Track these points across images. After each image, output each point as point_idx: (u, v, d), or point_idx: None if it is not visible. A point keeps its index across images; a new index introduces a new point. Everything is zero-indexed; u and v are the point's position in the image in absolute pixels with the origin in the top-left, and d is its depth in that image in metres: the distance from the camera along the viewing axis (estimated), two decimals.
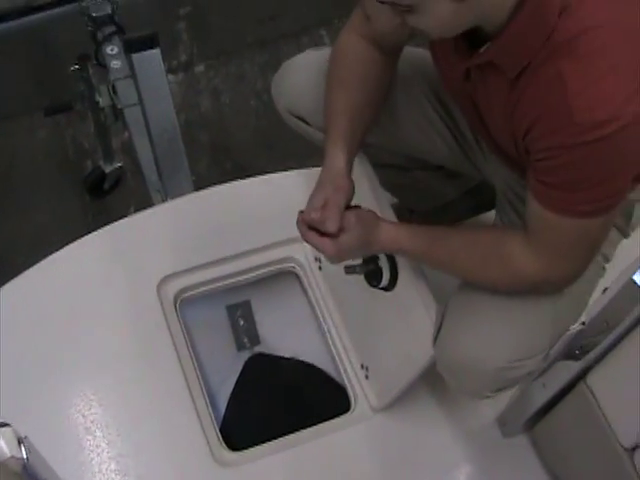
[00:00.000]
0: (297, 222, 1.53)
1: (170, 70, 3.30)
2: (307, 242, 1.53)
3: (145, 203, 2.57)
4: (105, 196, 3.05)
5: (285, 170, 2.18)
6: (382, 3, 1.26)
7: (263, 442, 1.92)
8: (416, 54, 1.69)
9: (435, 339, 1.62)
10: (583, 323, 1.54)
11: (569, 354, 1.60)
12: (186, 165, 2.47)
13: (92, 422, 1.88)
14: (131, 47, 2.36)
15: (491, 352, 1.54)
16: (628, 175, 1.32)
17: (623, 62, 1.23)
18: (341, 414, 1.96)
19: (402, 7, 1.25)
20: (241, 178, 2.96)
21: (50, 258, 2.06)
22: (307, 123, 1.79)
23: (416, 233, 1.55)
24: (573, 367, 1.61)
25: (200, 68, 3.36)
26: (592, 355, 1.56)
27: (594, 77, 1.22)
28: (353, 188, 1.56)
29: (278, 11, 3.43)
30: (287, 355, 2.17)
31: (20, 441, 1.04)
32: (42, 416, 1.83)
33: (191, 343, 2.04)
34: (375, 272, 1.71)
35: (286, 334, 2.20)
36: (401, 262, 1.69)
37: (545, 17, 1.24)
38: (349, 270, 1.73)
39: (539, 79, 1.28)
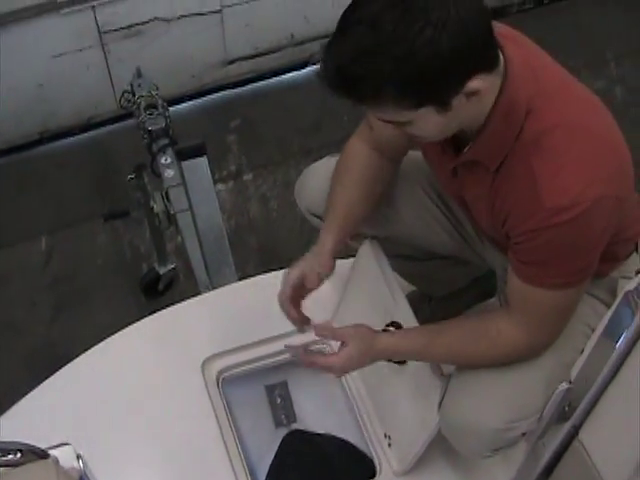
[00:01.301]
0: (298, 356, 1.93)
1: (221, 179, 3.68)
2: (313, 366, 1.89)
3: None
4: (159, 296, 3.35)
5: None
6: (390, 123, 1.59)
7: None
8: (415, 155, 2.00)
9: (440, 404, 1.91)
10: (570, 382, 1.80)
11: (560, 414, 1.86)
12: (231, 261, 2.81)
13: None
14: (181, 155, 2.72)
15: (488, 414, 1.82)
16: (595, 251, 1.63)
17: (580, 155, 1.54)
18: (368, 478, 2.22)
19: (400, 123, 1.57)
20: None
21: (103, 343, 2.43)
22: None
23: (410, 337, 1.87)
24: (565, 426, 1.87)
25: (249, 176, 3.73)
26: (579, 412, 1.82)
27: (557, 169, 1.53)
28: (332, 267, 1.93)
29: (321, 122, 3.80)
30: (321, 431, 2.45)
31: (78, 457, 1.36)
32: None
33: (232, 420, 2.33)
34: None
35: (319, 411, 2.48)
36: None
37: (514, 119, 1.56)
38: None
39: (512, 173, 1.60)
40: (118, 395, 2.29)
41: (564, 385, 1.80)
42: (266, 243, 3.56)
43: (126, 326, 3.20)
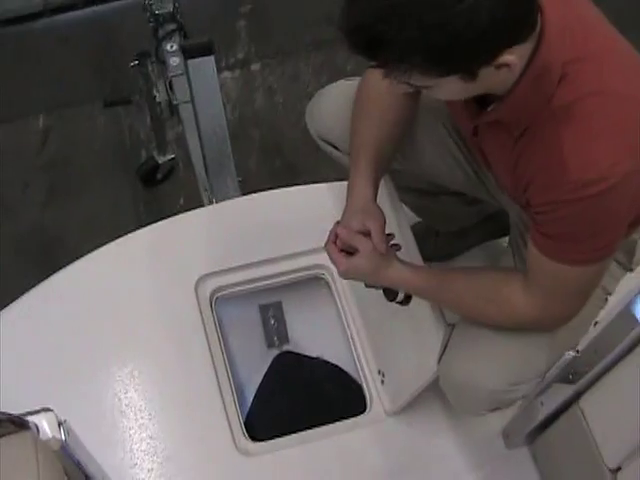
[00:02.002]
0: (330, 231, 1.73)
1: (227, 66, 3.50)
2: (326, 251, 1.74)
3: (195, 195, 2.80)
4: (157, 186, 3.25)
5: (332, 171, 2.29)
6: (399, 83, 1.41)
7: (283, 435, 2.11)
8: None
9: (440, 358, 1.81)
10: (577, 351, 1.70)
11: (564, 378, 1.77)
12: (233, 167, 2.67)
13: (127, 405, 2.11)
14: (187, 53, 2.55)
15: (488, 376, 1.72)
16: (620, 229, 1.49)
17: (614, 126, 1.39)
18: (357, 414, 2.15)
19: (418, 86, 1.41)
20: (289, 177, 3.19)
21: (97, 251, 2.29)
22: (336, 148, 1.97)
23: (424, 277, 1.72)
24: (567, 390, 1.78)
25: (256, 66, 3.56)
26: (584, 381, 1.73)
27: (587, 140, 1.38)
28: (384, 215, 1.75)
29: (335, 14, 3.59)
30: (313, 355, 2.36)
31: (60, 424, 1.26)
32: (81, 400, 2.07)
33: (224, 339, 2.24)
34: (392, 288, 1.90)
35: (313, 335, 2.40)
36: None
37: (545, 84, 1.40)
38: (368, 284, 1.93)
39: (538, 139, 1.45)
40: (107, 309, 2.21)
41: (570, 354, 1.70)
42: (269, 137, 3.42)
43: (120, 214, 3.17)
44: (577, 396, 1.80)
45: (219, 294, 2.25)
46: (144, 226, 3.09)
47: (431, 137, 1.90)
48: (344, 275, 1.74)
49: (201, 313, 2.19)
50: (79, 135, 3.36)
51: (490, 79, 1.36)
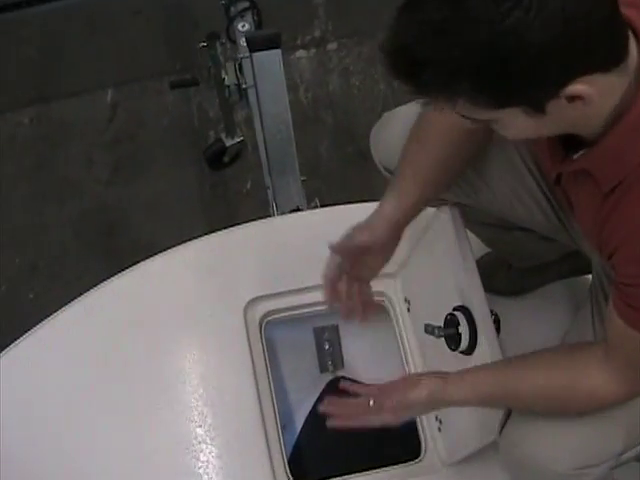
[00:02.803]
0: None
1: (303, 45, 3.27)
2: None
3: (262, 180, 2.59)
4: (224, 168, 3.05)
5: None
6: (463, 118, 1.17)
7: (330, 476, 1.90)
8: None
9: (502, 428, 1.56)
10: None
11: None
12: (296, 167, 2.44)
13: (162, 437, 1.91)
14: (252, 45, 2.32)
15: (556, 456, 1.47)
16: None
17: None
18: (409, 460, 1.92)
19: (477, 121, 1.17)
20: (361, 163, 2.94)
21: (149, 260, 2.07)
22: None
23: (486, 390, 1.47)
24: None
25: (333, 46, 3.30)
26: None
27: None
28: (390, 239, 1.56)
29: None
30: (369, 382, 2.13)
31: None
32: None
33: (274, 362, 2.04)
34: (454, 337, 1.66)
35: (370, 363, 2.18)
36: (481, 330, 1.62)
37: None
38: (428, 330, 1.69)
39: (632, 200, 1.18)
40: (152, 323, 2.02)
41: None
42: (343, 121, 3.19)
43: (185, 195, 2.99)
44: None
45: (269, 318, 2.02)
46: (209, 209, 2.97)
47: (507, 171, 1.63)
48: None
49: (249, 339, 1.97)
50: (147, 112, 3.18)
51: (564, 115, 1.11)
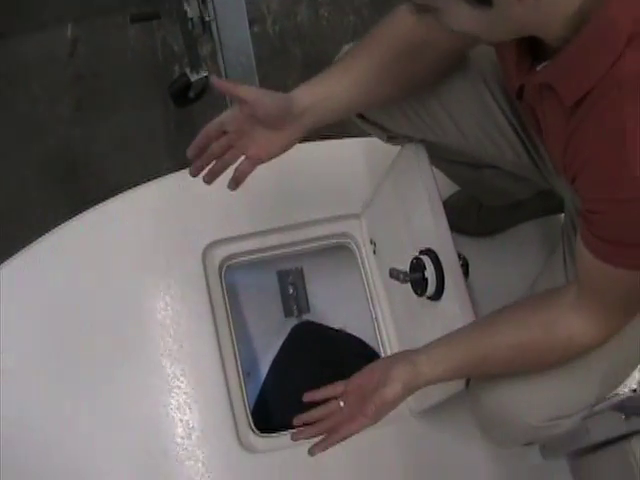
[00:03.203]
0: None
1: None
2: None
3: None
4: (190, 105, 2.89)
5: None
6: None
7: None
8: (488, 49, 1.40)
9: (468, 380, 1.45)
10: (634, 390, 1.34)
11: (615, 413, 1.42)
12: None
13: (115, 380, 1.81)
14: None
15: (526, 409, 1.37)
16: None
17: None
18: None
19: (420, 6, 1.05)
20: None
21: (108, 202, 1.96)
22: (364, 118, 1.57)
23: (459, 361, 1.31)
24: (619, 425, 1.43)
25: None
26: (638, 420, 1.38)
27: None
28: (287, 135, 1.34)
29: None
30: (335, 326, 2.03)
31: None
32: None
33: (237, 308, 1.93)
34: (419, 282, 1.54)
35: (336, 306, 2.07)
36: (449, 275, 1.51)
37: (607, 44, 1.00)
38: (393, 275, 1.57)
39: (595, 116, 1.05)
40: (107, 264, 1.90)
41: (625, 391, 1.33)
42: (311, 53, 3.03)
43: (150, 132, 2.86)
44: (630, 434, 1.43)
45: (230, 262, 1.90)
46: (174, 147, 2.83)
47: (476, 107, 1.48)
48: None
49: (208, 284, 1.86)
50: (109, 47, 3.00)
51: (514, 14, 0.98)
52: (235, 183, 1.37)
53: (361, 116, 1.55)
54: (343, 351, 2.01)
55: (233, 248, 1.89)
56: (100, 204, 1.96)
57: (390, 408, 1.30)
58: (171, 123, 2.91)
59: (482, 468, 1.77)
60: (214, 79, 1.29)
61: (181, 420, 1.77)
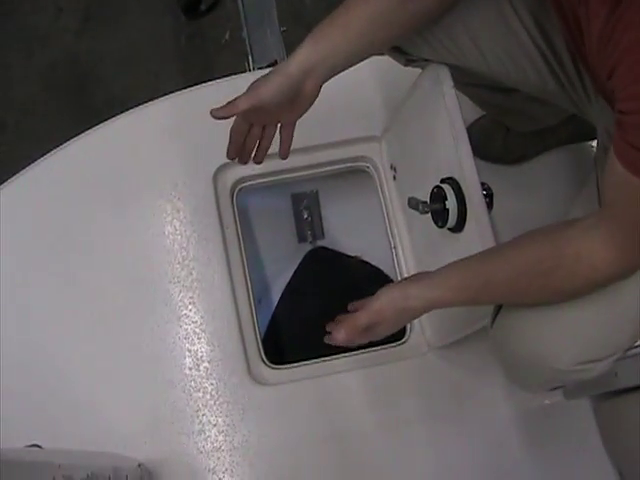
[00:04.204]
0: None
1: None
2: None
3: (241, 31, 2.27)
4: (201, 17, 2.79)
5: None
6: None
7: (306, 358, 1.72)
8: None
9: (493, 319, 1.35)
10: None
11: None
12: (275, 17, 2.17)
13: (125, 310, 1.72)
14: None
15: (555, 351, 1.26)
16: None
17: None
18: (395, 340, 1.73)
19: None
20: None
21: (116, 119, 1.84)
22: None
23: (459, 281, 1.24)
24: None
25: None
26: None
27: None
28: (306, 101, 1.31)
29: None
30: (351, 254, 1.93)
31: None
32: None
33: (249, 233, 1.84)
34: (440, 213, 1.44)
35: (352, 234, 1.97)
36: (471, 206, 1.40)
37: None
38: (412, 204, 1.47)
39: (637, 7, 0.94)
40: (115, 183, 1.80)
41: None
42: None
43: (160, 46, 2.74)
44: None
45: (243, 185, 1.80)
46: (185, 61, 2.70)
47: (498, 27, 1.35)
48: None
49: (218, 207, 1.76)
50: None
51: None
52: (284, 153, 1.37)
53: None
54: (358, 279, 1.92)
55: (246, 170, 1.78)
56: (108, 121, 1.85)
57: (379, 320, 1.27)
58: (182, 36, 2.80)
59: (501, 405, 1.68)
60: (213, 112, 1.26)
61: (189, 350, 1.69)
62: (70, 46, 2.74)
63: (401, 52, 1.43)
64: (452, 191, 1.41)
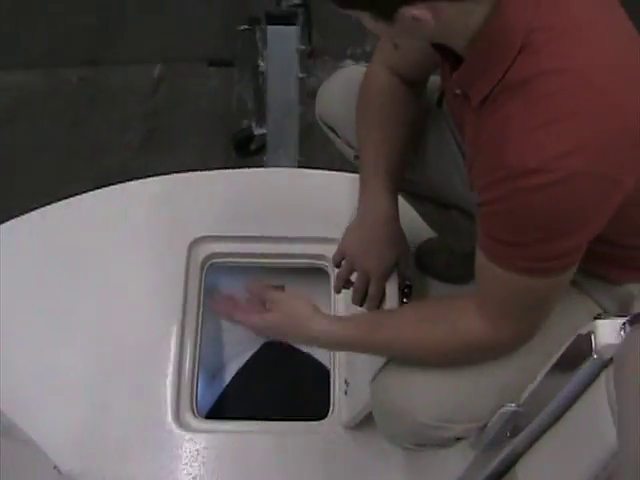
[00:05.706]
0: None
1: (352, 56, 3.30)
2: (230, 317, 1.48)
3: None
4: (250, 156, 3.05)
5: None
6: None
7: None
8: None
9: (375, 376, 1.53)
10: (519, 405, 1.38)
11: (501, 434, 1.45)
12: (295, 144, 2.45)
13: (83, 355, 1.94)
14: (270, 18, 2.34)
15: (418, 405, 1.42)
16: (572, 241, 1.17)
17: (573, 114, 1.09)
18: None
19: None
20: None
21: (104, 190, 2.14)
22: (336, 134, 1.75)
23: (353, 323, 1.44)
24: (503, 451, 1.46)
25: None
26: (521, 439, 1.41)
27: (538, 122, 1.09)
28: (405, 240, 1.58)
29: None
30: (304, 350, 2.12)
31: None
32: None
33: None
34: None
35: None
36: None
37: (503, 52, 1.13)
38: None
39: (490, 114, 1.18)
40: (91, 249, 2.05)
41: (511, 406, 1.37)
42: None
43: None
44: (516, 459, 1.46)
45: (214, 260, 2.03)
46: None
47: (440, 146, 1.65)
48: (262, 333, 1.54)
49: (187, 276, 1.99)
50: (189, 91, 3.23)
51: (415, 29, 1.14)
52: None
53: (333, 131, 1.71)
54: (303, 374, 2.09)
55: (219, 247, 2.02)
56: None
57: (267, 326, 1.44)
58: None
59: None
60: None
61: (128, 390, 1.89)
62: (124, 160, 3.05)
63: (350, 146, 1.73)
64: None
